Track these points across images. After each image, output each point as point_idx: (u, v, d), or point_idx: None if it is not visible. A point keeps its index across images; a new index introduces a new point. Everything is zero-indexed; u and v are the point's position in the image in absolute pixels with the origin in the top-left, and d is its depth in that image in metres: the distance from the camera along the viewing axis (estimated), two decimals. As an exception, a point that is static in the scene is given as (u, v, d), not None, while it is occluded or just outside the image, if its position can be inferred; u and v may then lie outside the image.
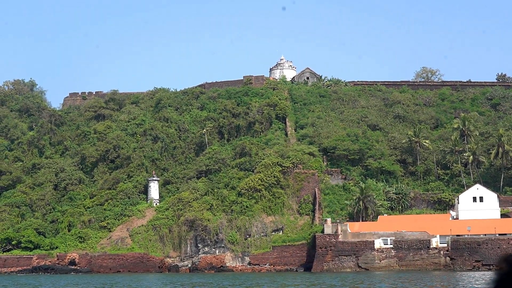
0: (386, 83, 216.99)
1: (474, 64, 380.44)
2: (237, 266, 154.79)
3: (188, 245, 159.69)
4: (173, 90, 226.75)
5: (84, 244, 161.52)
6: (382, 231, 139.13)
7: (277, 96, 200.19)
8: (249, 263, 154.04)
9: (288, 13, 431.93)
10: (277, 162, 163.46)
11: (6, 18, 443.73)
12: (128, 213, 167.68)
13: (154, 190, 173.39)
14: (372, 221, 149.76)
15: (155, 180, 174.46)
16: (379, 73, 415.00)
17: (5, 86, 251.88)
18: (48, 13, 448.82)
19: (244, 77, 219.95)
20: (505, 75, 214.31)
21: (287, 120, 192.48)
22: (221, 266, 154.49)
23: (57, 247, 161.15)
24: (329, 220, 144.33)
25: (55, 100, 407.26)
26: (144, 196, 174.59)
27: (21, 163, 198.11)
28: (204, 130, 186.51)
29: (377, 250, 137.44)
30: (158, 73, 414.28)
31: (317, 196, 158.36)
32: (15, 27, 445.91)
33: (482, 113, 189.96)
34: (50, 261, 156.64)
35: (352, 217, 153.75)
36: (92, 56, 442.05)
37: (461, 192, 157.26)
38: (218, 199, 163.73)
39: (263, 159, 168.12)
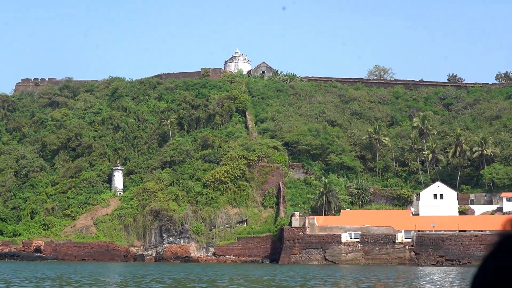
0: (340, 79, 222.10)
1: (425, 64, 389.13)
2: (202, 256, 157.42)
3: (153, 235, 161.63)
4: (129, 80, 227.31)
5: (48, 231, 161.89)
6: (349, 225, 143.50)
7: (236, 89, 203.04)
8: (214, 254, 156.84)
9: (243, 6, 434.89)
10: (243, 155, 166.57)
11: None
12: (92, 201, 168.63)
13: (118, 179, 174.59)
14: (335, 215, 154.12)
15: (119, 169, 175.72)
16: (333, 69, 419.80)
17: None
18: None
19: (201, 69, 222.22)
20: (455, 75, 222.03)
21: (247, 113, 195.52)
22: (186, 256, 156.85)
23: (20, 234, 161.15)
24: (297, 213, 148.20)
25: (4, 86, 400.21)
26: (108, 185, 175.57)
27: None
28: (168, 121, 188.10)
29: (344, 243, 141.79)
30: (113, 62, 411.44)
31: (281, 189, 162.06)
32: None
33: (436, 112, 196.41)
34: (15, 248, 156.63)
35: (315, 211, 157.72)
36: (45, 42, 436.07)
37: (419, 189, 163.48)
38: (183, 190, 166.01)
39: (228, 151, 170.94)
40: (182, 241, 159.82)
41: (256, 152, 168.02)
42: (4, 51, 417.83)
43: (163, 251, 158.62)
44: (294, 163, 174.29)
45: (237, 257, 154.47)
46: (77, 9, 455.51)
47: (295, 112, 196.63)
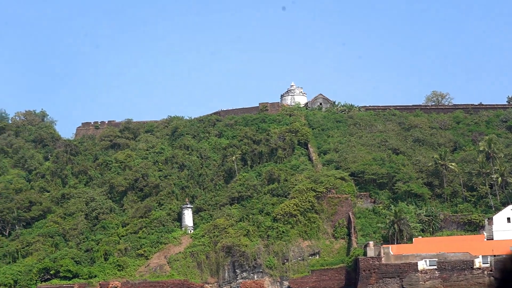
0: (398, 107, 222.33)
1: (482, 87, 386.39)
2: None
3: (226, 271, 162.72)
4: (188, 118, 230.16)
5: (123, 272, 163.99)
6: (425, 253, 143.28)
7: (296, 122, 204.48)
8: (289, 287, 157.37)
9: (297, 39, 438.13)
10: (311, 188, 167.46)
11: (15, 48, 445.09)
12: (164, 240, 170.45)
13: (188, 217, 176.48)
14: (407, 243, 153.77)
15: (189, 207, 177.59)
16: (390, 97, 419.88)
17: (17, 117, 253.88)
18: (55, 44, 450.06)
19: (259, 104, 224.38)
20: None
21: (309, 145, 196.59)
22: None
23: (95, 276, 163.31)
24: (371, 243, 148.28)
25: (64, 130, 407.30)
26: (178, 224, 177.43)
27: (48, 193, 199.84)
28: (234, 157, 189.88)
29: (420, 271, 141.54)
30: (170, 102, 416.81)
31: (351, 220, 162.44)
32: (24, 58, 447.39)
33: (499, 135, 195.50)
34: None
35: (386, 240, 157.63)
36: (103, 86, 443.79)
37: (490, 213, 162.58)
38: (253, 225, 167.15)
39: (296, 184, 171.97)
40: (255, 276, 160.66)
41: (324, 183, 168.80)
42: (64, 97, 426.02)
43: (238, 286, 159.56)
44: (361, 193, 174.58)
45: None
46: (134, 51, 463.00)
47: (357, 142, 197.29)
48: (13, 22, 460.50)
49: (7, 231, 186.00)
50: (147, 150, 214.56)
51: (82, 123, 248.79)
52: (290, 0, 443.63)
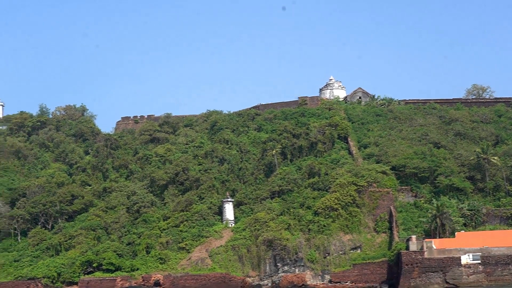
0: (438, 101, 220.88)
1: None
2: (318, 284, 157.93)
3: (267, 265, 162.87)
4: (227, 112, 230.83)
5: (165, 265, 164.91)
6: (468, 247, 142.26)
7: (336, 116, 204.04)
8: (330, 281, 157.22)
9: (336, 32, 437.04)
10: (352, 181, 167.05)
11: (56, 43, 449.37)
12: (206, 234, 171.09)
13: (229, 211, 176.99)
14: (449, 237, 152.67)
15: (230, 201, 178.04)
16: (430, 91, 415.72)
17: (57, 112, 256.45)
18: (96, 38, 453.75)
19: (299, 98, 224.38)
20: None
21: (349, 139, 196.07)
22: (303, 285, 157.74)
23: (138, 269, 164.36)
24: (414, 237, 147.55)
25: (104, 124, 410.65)
26: (219, 217, 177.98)
27: (89, 187, 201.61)
28: (274, 151, 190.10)
29: (464, 265, 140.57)
30: (209, 96, 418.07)
31: (393, 214, 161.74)
32: (64, 53, 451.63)
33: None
34: (135, 283, 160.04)
35: (428, 234, 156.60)
36: (142, 81, 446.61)
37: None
38: (294, 218, 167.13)
39: (337, 178, 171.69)
40: (297, 270, 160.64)
41: (365, 177, 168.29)
42: (105, 91, 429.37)
43: (279, 280, 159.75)
44: (403, 187, 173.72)
45: (354, 283, 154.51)
46: (172, 45, 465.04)
47: (397, 136, 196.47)
48: (50, 15, 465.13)
49: (50, 225, 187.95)
50: (187, 144, 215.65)
51: (121, 118, 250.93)
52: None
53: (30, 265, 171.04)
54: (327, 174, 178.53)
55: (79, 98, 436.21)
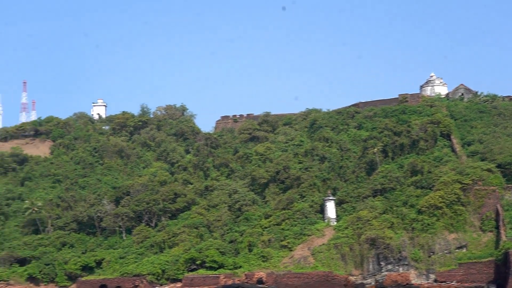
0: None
1: None
2: (423, 283, 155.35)
3: (371, 263, 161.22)
4: (326, 111, 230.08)
5: (267, 263, 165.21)
6: None
7: (438, 113, 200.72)
8: (435, 280, 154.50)
9: (435, 29, 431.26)
10: (457, 179, 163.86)
11: (157, 44, 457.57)
12: (308, 232, 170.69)
13: (331, 209, 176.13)
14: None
15: (331, 199, 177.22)
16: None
17: (158, 111, 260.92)
18: (194, 40, 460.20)
19: (399, 95, 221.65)
20: None
21: (452, 137, 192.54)
22: (407, 284, 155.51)
23: (240, 267, 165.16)
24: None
25: (204, 124, 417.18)
26: (320, 216, 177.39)
27: (191, 185, 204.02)
28: (375, 149, 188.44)
29: None
30: (307, 94, 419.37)
31: (500, 212, 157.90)
32: (164, 54, 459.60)
33: None
34: (238, 280, 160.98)
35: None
36: (242, 80, 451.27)
37: None
38: (398, 217, 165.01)
39: (440, 176, 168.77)
40: (401, 269, 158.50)
41: (470, 175, 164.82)
42: (205, 91, 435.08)
43: (383, 279, 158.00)
44: (509, 185, 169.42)
45: (459, 283, 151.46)
46: (269, 44, 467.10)
47: (502, 133, 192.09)
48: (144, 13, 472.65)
49: (154, 222, 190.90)
50: (286, 142, 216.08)
51: (221, 117, 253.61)
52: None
53: (135, 262, 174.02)
54: (430, 172, 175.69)
55: (179, 98, 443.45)
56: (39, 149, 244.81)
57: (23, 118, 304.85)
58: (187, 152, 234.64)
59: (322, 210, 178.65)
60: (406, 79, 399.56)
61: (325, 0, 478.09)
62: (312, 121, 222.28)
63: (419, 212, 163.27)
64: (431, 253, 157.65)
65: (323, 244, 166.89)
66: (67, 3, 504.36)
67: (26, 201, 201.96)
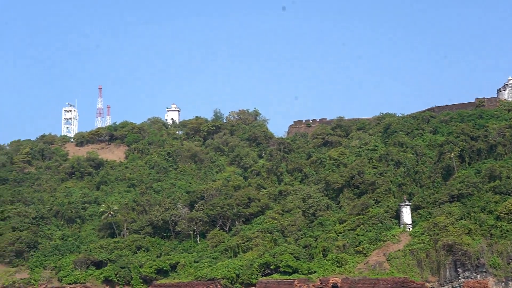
0: None
1: None
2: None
3: (447, 270, 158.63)
4: (401, 115, 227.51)
5: (342, 268, 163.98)
6: None
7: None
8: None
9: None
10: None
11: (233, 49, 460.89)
12: (383, 238, 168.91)
13: (406, 215, 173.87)
14: None
15: (407, 205, 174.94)
16: None
17: (231, 116, 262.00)
18: (270, 45, 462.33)
19: (475, 99, 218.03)
20: None
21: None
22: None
23: (315, 272, 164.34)
24: None
25: (276, 128, 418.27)
26: (395, 221, 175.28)
27: (265, 190, 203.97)
28: (452, 154, 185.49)
29: None
30: (381, 99, 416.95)
31: None
32: (238, 59, 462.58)
33: None
34: (313, 285, 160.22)
35: None
36: (312, 84, 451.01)
37: None
38: (475, 223, 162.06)
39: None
40: (478, 276, 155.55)
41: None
42: (277, 96, 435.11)
43: (460, 286, 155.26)
44: None
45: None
46: (343, 52, 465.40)
47: None
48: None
49: (228, 227, 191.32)
50: (360, 147, 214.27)
51: (294, 121, 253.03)
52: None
53: (209, 266, 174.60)
54: (509, 178, 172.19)
55: (252, 103, 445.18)
56: (114, 154, 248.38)
57: (99, 123, 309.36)
58: (260, 157, 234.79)
59: (397, 216, 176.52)
60: (483, 83, 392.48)
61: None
62: (386, 126, 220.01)
63: (498, 218, 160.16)
64: (510, 260, 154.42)
65: (399, 250, 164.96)
66: (139, 10, 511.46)
67: (102, 205, 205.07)
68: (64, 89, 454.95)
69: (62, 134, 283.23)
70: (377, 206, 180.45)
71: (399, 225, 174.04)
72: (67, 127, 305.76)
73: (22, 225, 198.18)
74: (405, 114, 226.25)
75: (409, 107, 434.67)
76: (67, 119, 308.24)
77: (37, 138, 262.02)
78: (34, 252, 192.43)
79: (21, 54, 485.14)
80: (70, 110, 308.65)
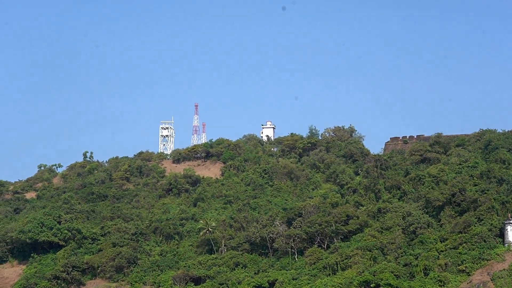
0: None
1: None
2: None
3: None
4: (502, 131, 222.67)
5: (444, 287, 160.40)
6: None
7: None
8: None
9: None
10: None
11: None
12: (487, 257, 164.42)
13: (511, 233, 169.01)
14: None
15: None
16: None
17: (326, 133, 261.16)
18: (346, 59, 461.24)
19: None
20: None
21: None
22: None
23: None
24: None
25: (372, 145, 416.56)
26: (500, 240, 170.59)
27: (363, 207, 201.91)
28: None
29: None
30: (481, 114, 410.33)
31: None
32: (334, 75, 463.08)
33: None
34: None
35: None
36: (406, 100, 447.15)
37: None
38: None
39: None
40: None
41: None
42: (373, 112, 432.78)
43: None
44: None
45: None
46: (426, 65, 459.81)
47: None
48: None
49: (326, 244, 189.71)
50: (460, 164, 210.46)
51: (390, 138, 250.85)
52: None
53: (308, 283, 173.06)
54: None
55: (347, 119, 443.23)
56: (210, 171, 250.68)
57: (195, 140, 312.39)
58: (356, 174, 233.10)
59: (501, 234, 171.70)
60: None
61: None
62: (486, 142, 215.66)
63: None
64: None
65: (504, 269, 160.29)
66: (235, 30, 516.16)
67: (200, 221, 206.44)
68: (161, 106, 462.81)
69: (159, 151, 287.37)
70: (480, 224, 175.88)
71: (503, 244, 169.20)
72: (164, 144, 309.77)
73: (122, 241, 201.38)
74: (507, 130, 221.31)
75: (509, 123, 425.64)
76: (164, 136, 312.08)
77: (134, 155, 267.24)
78: (134, 267, 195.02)
79: (113, 73, 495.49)
80: (167, 128, 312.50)
